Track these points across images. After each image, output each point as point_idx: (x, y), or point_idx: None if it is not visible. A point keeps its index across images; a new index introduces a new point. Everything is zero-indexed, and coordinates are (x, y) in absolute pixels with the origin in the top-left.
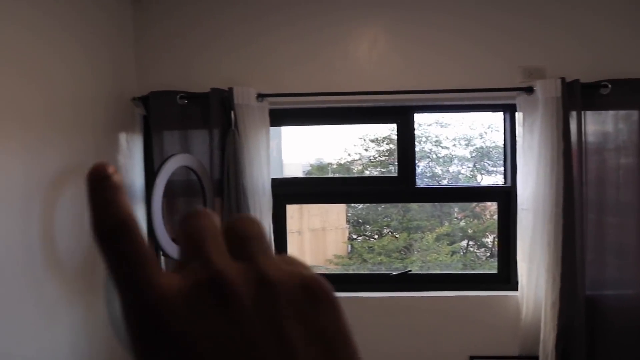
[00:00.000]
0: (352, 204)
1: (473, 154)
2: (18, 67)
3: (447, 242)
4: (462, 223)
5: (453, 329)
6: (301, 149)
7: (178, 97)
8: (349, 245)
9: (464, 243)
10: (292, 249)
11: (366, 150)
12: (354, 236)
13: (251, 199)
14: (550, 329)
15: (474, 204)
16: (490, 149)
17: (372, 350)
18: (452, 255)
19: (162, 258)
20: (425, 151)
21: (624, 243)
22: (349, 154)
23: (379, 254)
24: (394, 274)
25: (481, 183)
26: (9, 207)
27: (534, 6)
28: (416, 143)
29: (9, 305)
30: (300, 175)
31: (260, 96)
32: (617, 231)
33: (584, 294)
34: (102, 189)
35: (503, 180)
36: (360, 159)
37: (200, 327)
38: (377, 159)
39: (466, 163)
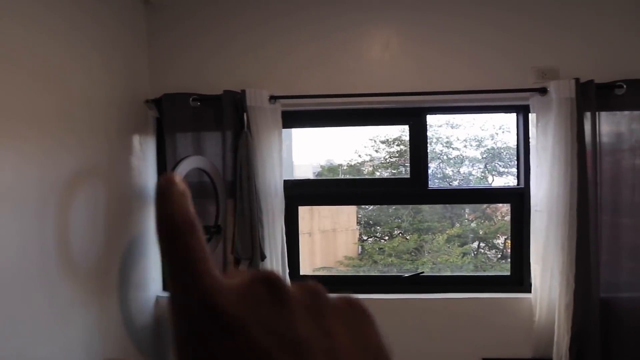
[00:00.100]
0: (363, 206)
1: (484, 155)
2: (33, 70)
3: (458, 244)
4: (473, 224)
5: (466, 331)
6: (311, 150)
7: (191, 99)
8: (360, 247)
9: (474, 244)
10: (303, 251)
11: (376, 151)
12: (365, 237)
13: (263, 201)
14: (564, 332)
15: (485, 205)
16: (502, 150)
17: None
18: (463, 257)
19: None
20: (436, 152)
21: (638, 245)
22: (359, 155)
23: (390, 255)
24: (406, 275)
25: (492, 184)
26: (25, 208)
27: (547, 7)
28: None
29: (24, 306)
30: (310, 176)
31: (273, 98)
32: (632, 233)
33: (598, 296)
34: (170, 193)
35: (515, 181)
36: (371, 160)
37: (255, 315)
38: (387, 161)
39: (477, 164)
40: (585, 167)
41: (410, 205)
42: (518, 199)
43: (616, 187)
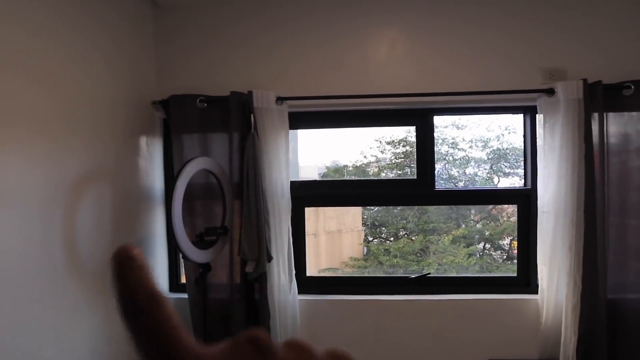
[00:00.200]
0: (368, 206)
1: (490, 156)
2: (39, 73)
3: (464, 245)
4: (478, 225)
5: (472, 332)
6: (317, 151)
7: (198, 100)
8: (365, 248)
9: (480, 245)
10: (308, 252)
11: (382, 152)
12: (370, 238)
13: (270, 202)
14: (571, 333)
15: (490, 206)
16: (508, 151)
17: (391, 353)
18: (468, 258)
19: (182, 261)
20: (441, 153)
21: None
22: (364, 156)
23: (395, 256)
24: (413, 276)
25: (498, 185)
26: (32, 210)
27: (554, 8)
28: None
29: (30, 307)
30: (316, 177)
31: (280, 99)
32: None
33: (605, 297)
34: (129, 268)
35: (522, 182)
36: (376, 161)
37: None
38: (393, 162)
39: (483, 165)
40: (592, 168)
41: (416, 207)
42: (525, 200)
43: (624, 188)
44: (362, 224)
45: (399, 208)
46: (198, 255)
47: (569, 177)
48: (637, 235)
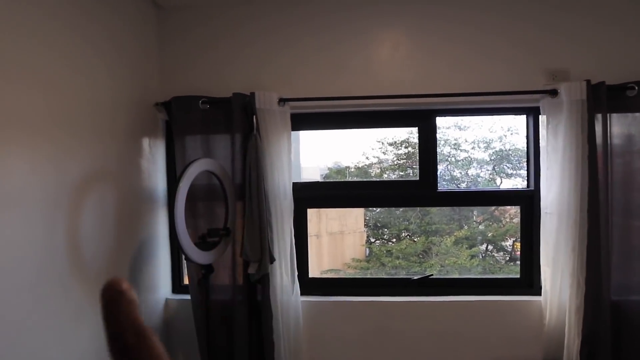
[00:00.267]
0: (371, 208)
1: (492, 157)
2: (42, 74)
3: (466, 246)
4: (481, 227)
5: (475, 334)
6: (319, 152)
7: (200, 102)
8: (367, 249)
9: (483, 247)
10: (310, 253)
11: (384, 153)
12: (372, 240)
13: (273, 203)
14: (575, 335)
15: (493, 208)
16: (510, 152)
17: (393, 355)
18: (471, 259)
19: (185, 263)
20: (443, 154)
21: None
22: (366, 158)
23: (397, 257)
24: (415, 278)
25: (500, 186)
26: (36, 212)
27: (557, 8)
28: None
29: (35, 308)
30: (318, 178)
31: (282, 101)
32: None
33: (609, 299)
34: (118, 304)
35: (524, 183)
36: (379, 163)
37: None
38: (395, 163)
39: (485, 166)
40: (596, 169)
41: (418, 208)
42: (528, 201)
43: (627, 189)
44: (365, 225)
45: (401, 209)
46: (200, 256)
47: (572, 178)
48: None
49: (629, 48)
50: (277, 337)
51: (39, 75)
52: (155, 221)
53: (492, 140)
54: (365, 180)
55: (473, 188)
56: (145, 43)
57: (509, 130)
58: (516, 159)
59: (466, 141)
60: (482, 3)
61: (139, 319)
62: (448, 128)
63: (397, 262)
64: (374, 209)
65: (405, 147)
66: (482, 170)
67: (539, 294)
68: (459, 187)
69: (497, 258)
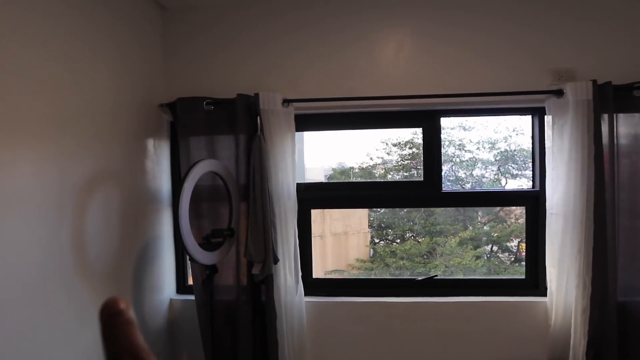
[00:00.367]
0: (375, 208)
1: (497, 158)
2: (46, 78)
3: (471, 247)
4: (486, 227)
5: (480, 335)
6: (323, 153)
7: (204, 103)
8: (371, 250)
9: (488, 247)
10: (315, 253)
11: (388, 154)
12: (376, 240)
13: (277, 204)
14: (581, 336)
15: (498, 208)
16: (515, 153)
17: (397, 355)
18: (476, 260)
19: (189, 263)
20: (448, 155)
21: None
22: (370, 158)
23: (402, 258)
24: (420, 279)
25: (505, 187)
26: (41, 212)
27: (563, 7)
28: None
29: (40, 308)
30: (322, 179)
31: (286, 101)
32: None
33: (615, 300)
34: (114, 325)
35: (530, 184)
36: (383, 163)
37: None
38: (399, 163)
39: (490, 167)
40: (602, 169)
41: (423, 208)
42: (533, 201)
43: (634, 190)
44: (369, 225)
45: (405, 210)
46: (205, 257)
47: (578, 178)
48: None
49: (636, 48)
50: (281, 337)
51: (42, 79)
52: (159, 222)
53: (497, 140)
54: (369, 181)
55: (478, 189)
56: (150, 44)
57: (514, 130)
58: (521, 159)
59: (471, 142)
60: (486, 5)
61: (137, 339)
62: (453, 129)
63: (402, 262)
64: (378, 209)
65: (410, 148)
66: (487, 170)
67: (545, 294)
68: (463, 187)
69: (502, 259)
